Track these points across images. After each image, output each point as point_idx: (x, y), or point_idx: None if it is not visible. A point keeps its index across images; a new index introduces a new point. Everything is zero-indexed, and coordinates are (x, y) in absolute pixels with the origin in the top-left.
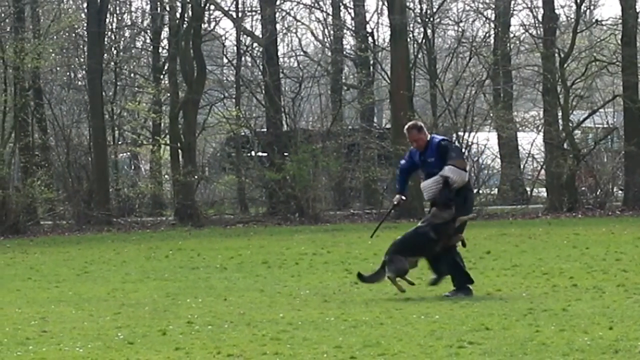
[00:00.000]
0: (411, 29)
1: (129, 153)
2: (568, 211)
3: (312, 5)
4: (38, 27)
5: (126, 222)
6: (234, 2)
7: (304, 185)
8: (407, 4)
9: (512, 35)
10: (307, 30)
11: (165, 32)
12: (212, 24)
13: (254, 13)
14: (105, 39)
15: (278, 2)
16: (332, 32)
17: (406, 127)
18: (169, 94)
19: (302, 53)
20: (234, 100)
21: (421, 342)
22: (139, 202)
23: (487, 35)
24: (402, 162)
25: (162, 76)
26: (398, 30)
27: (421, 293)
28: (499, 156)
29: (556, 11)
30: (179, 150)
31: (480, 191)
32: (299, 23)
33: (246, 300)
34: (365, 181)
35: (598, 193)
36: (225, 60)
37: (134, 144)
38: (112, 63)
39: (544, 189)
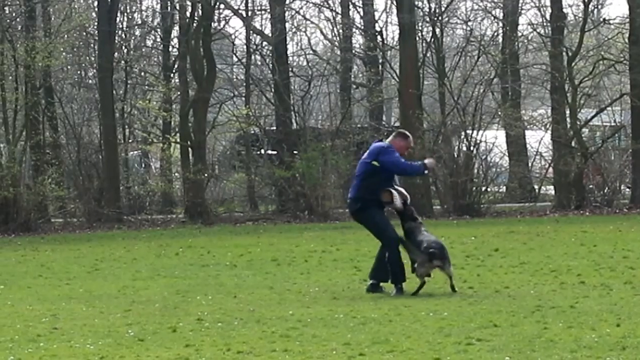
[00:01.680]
0: (420, 27)
1: (139, 151)
2: (576, 209)
3: (322, 4)
4: (49, 25)
5: (136, 220)
6: (244, 1)
7: (314, 183)
8: (416, 3)
9: (520, 34)
10: (317, 29)
11: (175, 31)
12: (222, 22)
13: (263, 12)
14: (116, 38)
15: (287, 1)
16: (341, 31)
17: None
18: (179, 93)
19: (311, 52)
20: (243, 98)
21: (430, 339)
22: (150, 200)
23: (496, 34)
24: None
25: (172, 75)
26: (407, 29)
27: (430, 290)
28: (507, 154)
29: (564, 10)
30: (189, 149)
31: (489, 189)
32: (308, 22)
33: (256, 297)
34: None
35: (605, 191)
36: (235, 59)
37: (144, 142)
38: (123, 62)
39: (551, 187)
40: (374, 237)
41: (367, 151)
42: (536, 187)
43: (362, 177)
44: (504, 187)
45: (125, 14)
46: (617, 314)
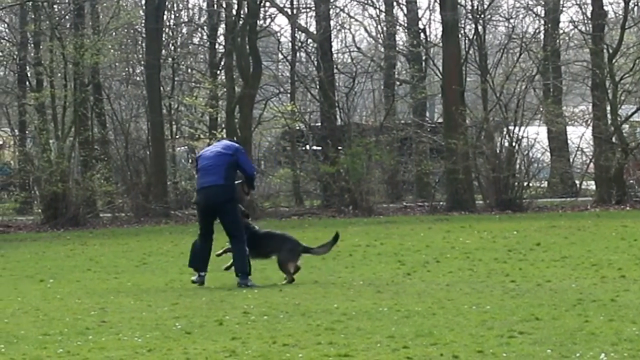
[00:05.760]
0: (463, 25)
1: (186, 147)
2: (616, 204)
3: (366, 2)
4: (97, 23)
5: (183, 215)
6: None
7: (358, 179)
8: (459, 0)
9: (561, 31)
10: (361, 26)
11: (221, 29)
12: (268, 20)
13: (308, 10)
14: (163, 36)
15: None
16: (385, 28)
17: None
18: (225, 89)
19: (355, 49)
20: (289, 95)
21: (472, 332)
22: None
23: (537, 31)
24: None
25: (218, 72)
26: (450, 26)
27: (472, 284)
28: (548, 150)
29: (605, 8)
30: None
31: (530, 184)
32: (352, 19)
33: (301, 291)
34: (418, 174)
35: None
36: (280, 56)
37: (191, 138)
38: (170, 59)
39: (592, 182)
40: (226, 228)
41: (222, 146)
42: (577, 182)
43: (226, 167)
44: (546, 182)
45: (173, 12)
46: None
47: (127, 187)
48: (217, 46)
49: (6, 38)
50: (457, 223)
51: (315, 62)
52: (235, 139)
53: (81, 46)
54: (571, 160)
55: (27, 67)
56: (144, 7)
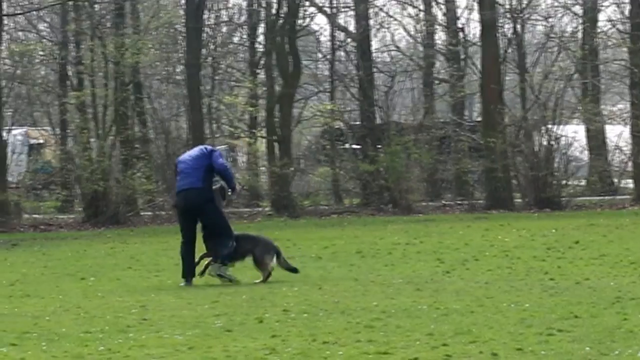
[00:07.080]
0: (501, 24)
1: (226, 145)
2: None
3: (405, 1)
4: (138, 23)
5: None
6: None
7: (397, 177)
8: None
9: (599, 30)
10: (400, 25)
11: (261, 28)
12: (307, 19)
13: (347, 9)
14: (203, 35)
15: None
16: (423, 27)
17: None
18: (265, 88)
19: (394, 48)
20: (328, 94)
21: (511, 329)
22: (236, 194)
23: (575, 30)
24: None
25: (258, 71)
26: (488, 25)
27: (511, 282)
28: (587, 148)
29: None
30: (275, 143)
31: (569, 182)
32: (391, 19)
33: (340, 288)
34: (457, 173)
35: None
36: (319, 55)
37: (231, 137)
38: (210, 58)
39: (631, 180)
40: (210, 229)
41: (199, 149)
42: (616, 180)
43: (204, 170)
44: (584, 181)
45: (213, 11)
46: None
47: (167, 186)
48: (256, 45)
49: (48, 37)
50: (495, 221)
51: (355, 61)
52: (275, 137)
53: (122, 45)
54: (609, 158)
55: (68, 66)
56: (184, 7)
